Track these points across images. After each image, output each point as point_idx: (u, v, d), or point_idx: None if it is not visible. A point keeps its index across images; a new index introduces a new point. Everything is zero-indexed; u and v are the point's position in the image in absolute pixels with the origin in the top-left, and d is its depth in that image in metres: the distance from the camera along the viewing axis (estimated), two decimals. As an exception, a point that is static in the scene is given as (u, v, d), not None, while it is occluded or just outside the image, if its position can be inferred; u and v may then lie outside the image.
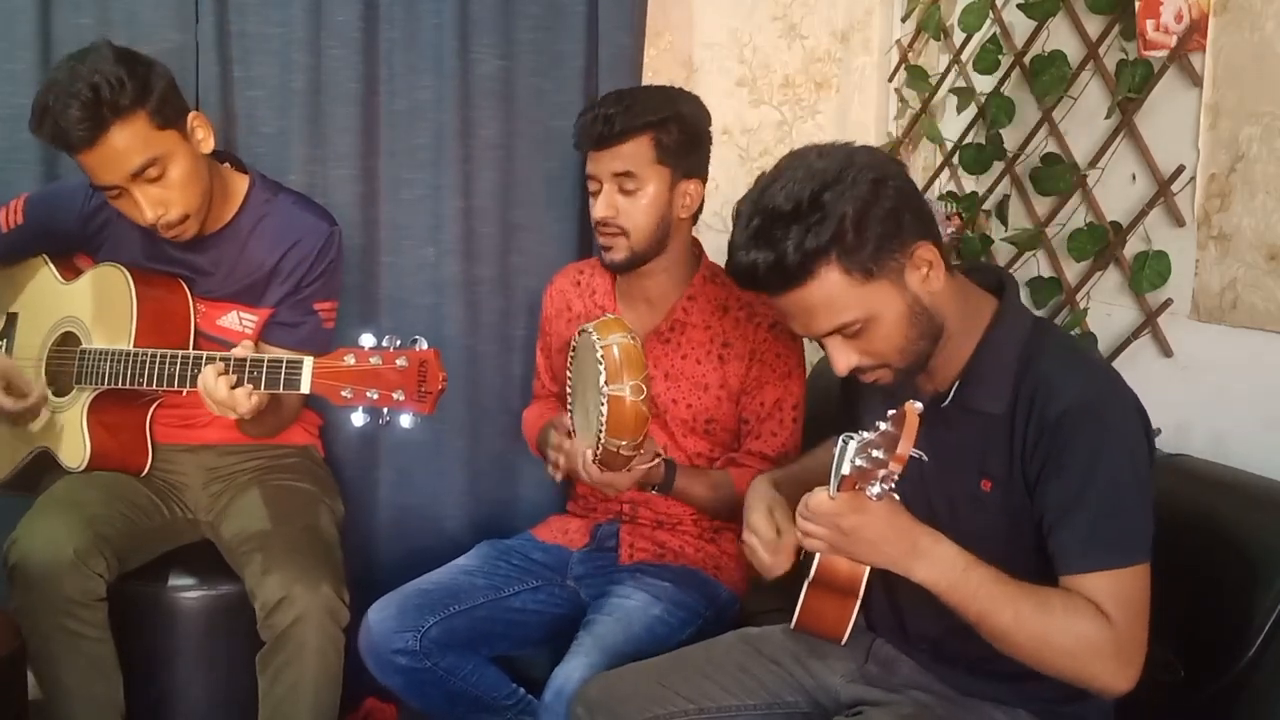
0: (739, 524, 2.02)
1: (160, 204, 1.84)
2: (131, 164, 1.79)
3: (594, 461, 1.73)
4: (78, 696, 1.86)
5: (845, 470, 1.29)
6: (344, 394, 1.58)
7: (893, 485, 1.27)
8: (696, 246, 2.06)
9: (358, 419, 1.59)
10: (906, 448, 1.22)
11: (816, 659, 1.60)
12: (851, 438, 1.29)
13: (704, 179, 1.99)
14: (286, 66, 2.30)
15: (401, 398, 1.57)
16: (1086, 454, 1.33)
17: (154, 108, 1.80)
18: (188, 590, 1.99)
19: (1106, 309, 2.02)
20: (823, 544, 1.37)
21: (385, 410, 1.58)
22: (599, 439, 1.69)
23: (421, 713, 1.99)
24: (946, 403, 1.45)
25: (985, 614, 1.32)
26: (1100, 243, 1.99)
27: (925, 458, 1.29)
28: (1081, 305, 2.05)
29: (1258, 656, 1.42)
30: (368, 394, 1.57)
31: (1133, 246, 1.94)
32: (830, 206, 1.31)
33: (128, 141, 1.78)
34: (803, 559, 1.51)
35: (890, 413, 1.26)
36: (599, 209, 1.94)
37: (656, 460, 1.83)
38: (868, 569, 1.43)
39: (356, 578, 2.02)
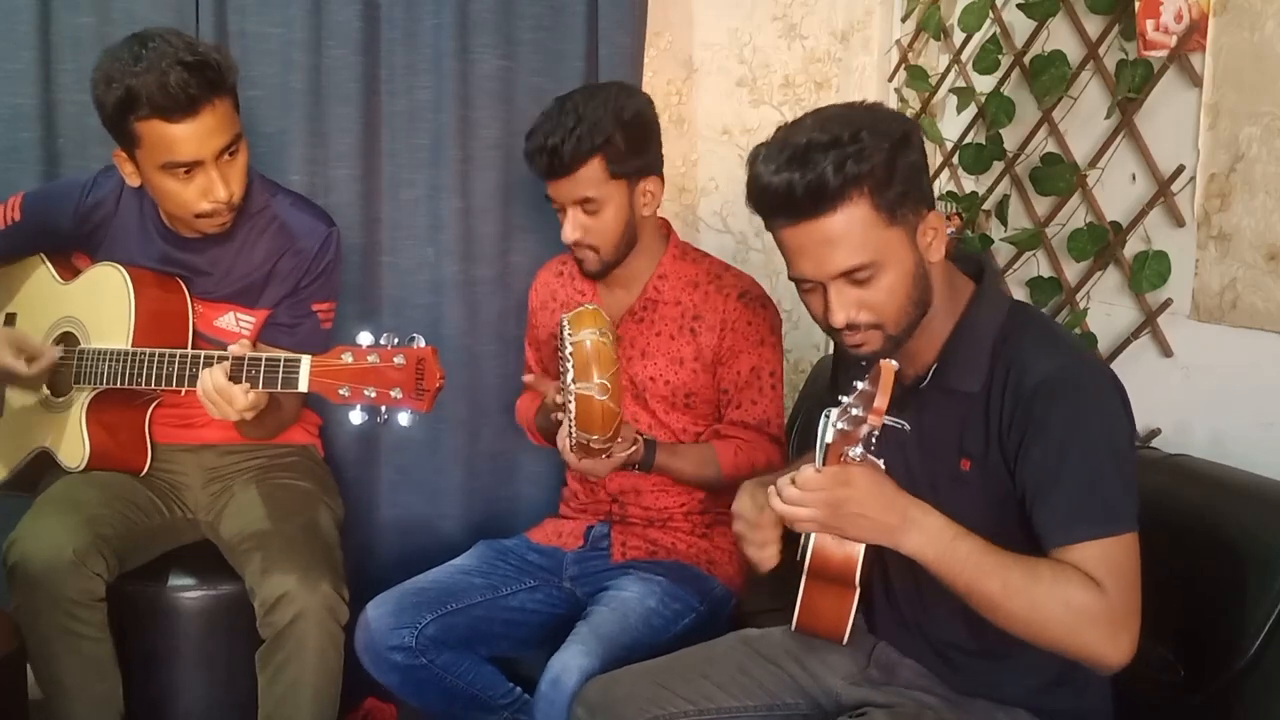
0: (728, 507, 2.05)
1: (228, 184, 1.87)
2: (225, 137, 1.83)
3: (571, 450, 1.77)
4: (78, 696, 1.86)
5: (829, 439, 1.31)
6: (341, 392, 1.58)
7: (873, 445, 1.28)
8: (665, 226, 2.10)
9: (356, 417, 1.60)
10: (883, 401, 1.23)
11: (816, 660, 1.60)
12: (832, 410, 1.31)
13: (660, 173, 2.00)
14: (286, 67, 2.31)
15: (399, 396, 1.57)
16: (1063, 425, 1.33)
17: (235, 89, 1.86)
18: (187, 590, 1.99)
19: (1106, 309, 2.02)
20: (813, 523, 1.35)
21: (383, 408, 1.58)
22: (570, 431, 1.73)
23: (420, 711, 1.99)
24: (924, 384, 1.46)
25: (974, 583, 1.31)
26: (1100, 243, 1.99)
27: (907, 427, 1.30)
28: (1081, 305, 2.05)
29: (1257, 656, 1.41)
30: (365, 392, 1.57)
31: (1133, 246, 1.94)
32: (867, 142, 1.34)
33: (222, 116, 1.82)
34: (797, 555, 1.50)
35: (867, 375, 1.28)
36: (567, 233, 1.96)
37: (636, 444, 1.87)
38: (860, 554, 1.41)
39: (355, 576, 2.01)
